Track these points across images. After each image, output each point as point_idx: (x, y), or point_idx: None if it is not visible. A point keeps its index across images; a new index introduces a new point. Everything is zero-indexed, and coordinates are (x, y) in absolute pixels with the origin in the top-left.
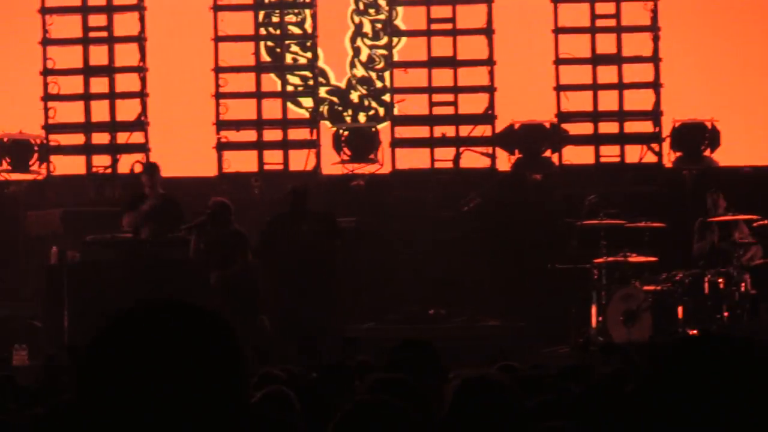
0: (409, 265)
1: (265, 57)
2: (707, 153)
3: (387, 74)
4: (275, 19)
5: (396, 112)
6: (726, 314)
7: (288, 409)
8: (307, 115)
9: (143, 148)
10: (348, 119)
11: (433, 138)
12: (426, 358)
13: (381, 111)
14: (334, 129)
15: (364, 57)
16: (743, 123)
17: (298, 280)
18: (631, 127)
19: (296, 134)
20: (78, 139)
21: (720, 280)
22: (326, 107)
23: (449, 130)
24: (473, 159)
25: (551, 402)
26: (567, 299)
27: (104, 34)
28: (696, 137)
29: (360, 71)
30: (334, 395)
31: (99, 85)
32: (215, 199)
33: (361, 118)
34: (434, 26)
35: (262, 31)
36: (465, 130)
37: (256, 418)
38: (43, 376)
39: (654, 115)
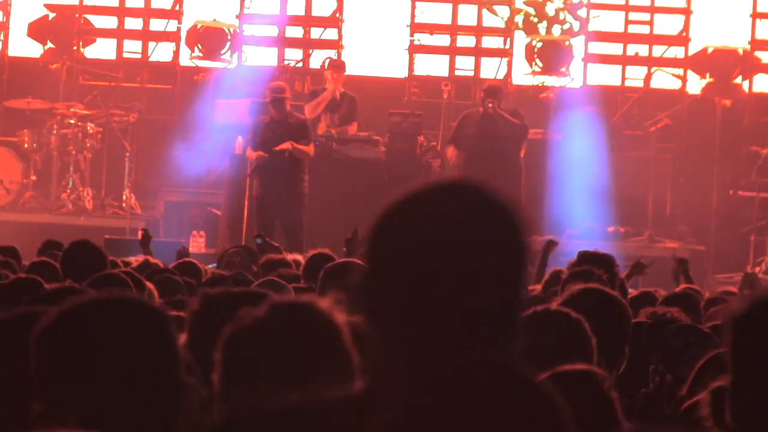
0: (591, 181)
1: None
2: None
3: None
4: None
5: (591, 27)
6: None
7: None
8: (502, 24)
9: (335, 44)
10: (542, 31)
11: (626, 56)
12: None
13: (576, 25)
14: (528, 40)
15: None
16: None
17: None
18: None
19: (489, 42)
20: (271, 30)
21: None
22: (522, 17)
23: (642, 49)
24: (664, 80)
25: None
26: (747, 227)
27: None
28: None
29: None
30: None
31: None
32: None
33: (556, 30)
34: None
35: None
36: (658, 51)
37: None
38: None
39: None
